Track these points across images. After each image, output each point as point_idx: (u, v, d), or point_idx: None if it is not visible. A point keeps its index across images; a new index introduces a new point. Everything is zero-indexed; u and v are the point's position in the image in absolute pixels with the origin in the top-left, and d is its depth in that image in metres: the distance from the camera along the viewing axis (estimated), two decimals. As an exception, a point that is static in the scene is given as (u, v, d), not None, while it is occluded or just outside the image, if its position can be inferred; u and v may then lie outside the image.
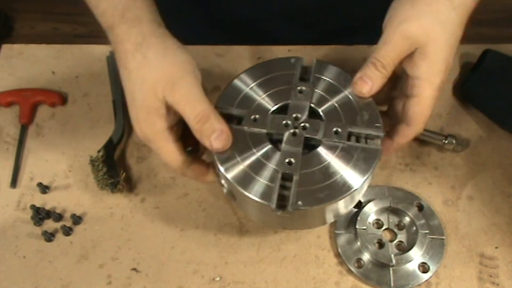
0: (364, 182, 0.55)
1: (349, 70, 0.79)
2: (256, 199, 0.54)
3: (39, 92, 0.78)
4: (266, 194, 0.54)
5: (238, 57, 0.81)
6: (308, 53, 0.81)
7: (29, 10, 2.19)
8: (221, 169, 0.55)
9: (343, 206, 0.58)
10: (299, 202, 0.53)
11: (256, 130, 0.58)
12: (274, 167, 0.55)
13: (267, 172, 0.55)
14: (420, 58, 0.56)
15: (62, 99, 0.78)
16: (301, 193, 0.54)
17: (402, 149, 0.64)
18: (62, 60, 0.82)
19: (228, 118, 0.59)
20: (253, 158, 0.56)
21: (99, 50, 0.82)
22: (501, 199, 0.69)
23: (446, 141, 0.71)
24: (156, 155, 0.59)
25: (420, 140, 0.73)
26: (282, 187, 0.54)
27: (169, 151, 0.57)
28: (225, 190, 0.59)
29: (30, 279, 0.65)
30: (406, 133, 0.59)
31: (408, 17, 0.56)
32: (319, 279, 0.64)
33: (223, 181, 0.58)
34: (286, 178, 0.55)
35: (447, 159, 0.72)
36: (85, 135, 0.75)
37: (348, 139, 0.57)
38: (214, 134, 0.55)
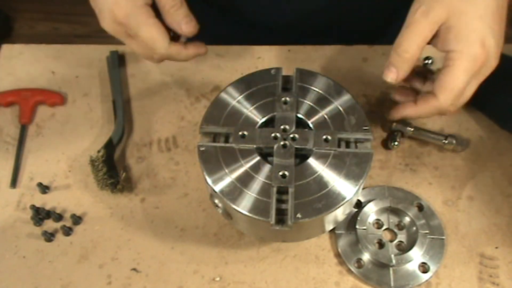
0: (359, 187, 0.55)
1: (347, 70, 0.79)
2: (254, 216, 0.53)
3: (39, 92, 0.78)
4: (262, 210, 0.53)
5: (238, 57, 0.81)
6: (308, 53, 0.81)
7: (29, 10, 2.19)
8: (215, 188, 0.55)
9: (341, 213, 0.58)
10: (298, 215, 0.53)
11: (246, 146, 0.57)
12: (266, 181, 0.55)
13: (260, 186, 0.55)
14: (445, 32, 0.55)
15: (62, 99, 0.78)
16: (298, 206, 0.53)
17: (421, 117, 0.62)
18: (62, 60, 0.82)
19: (215, 137, 0.59)
20: (244, 173, 0.56)
21: (99, 50, 0.82)
22: (501, 199, 0.69)
23: (446, 141, 0.71)
24: (137, 41, 0.60)
25: (420, 140, 0.73)
26: (278, 200, 0.54)
27: (152, 24, 0.59)
28: (220, 211, 0.59)
29: (30, 279, 0.65)
30: (432, 103, 0.57)
31: None
32: (319, 279, 0.64)
33: (217, 201, 0.58)
34: (281, 191, 0.55)
35: (447, 159, 0.72)
36: (85, 135, 0.75)
37: (338, 145, 0.57)
38: (185, 18, 0.60)
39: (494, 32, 0.55)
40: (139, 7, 0.58)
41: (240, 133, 0.58)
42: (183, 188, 0.71)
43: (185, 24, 0.60)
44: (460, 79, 0.55)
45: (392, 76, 0.57)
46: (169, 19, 0.60)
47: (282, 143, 0.57)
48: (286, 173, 0.55)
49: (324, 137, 0.57)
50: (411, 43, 0.55)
